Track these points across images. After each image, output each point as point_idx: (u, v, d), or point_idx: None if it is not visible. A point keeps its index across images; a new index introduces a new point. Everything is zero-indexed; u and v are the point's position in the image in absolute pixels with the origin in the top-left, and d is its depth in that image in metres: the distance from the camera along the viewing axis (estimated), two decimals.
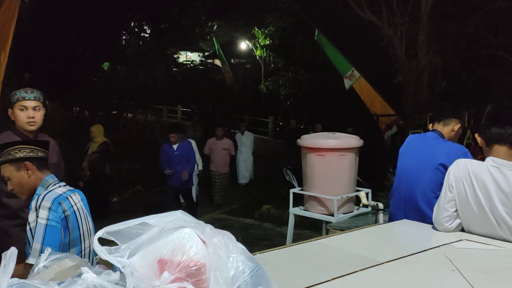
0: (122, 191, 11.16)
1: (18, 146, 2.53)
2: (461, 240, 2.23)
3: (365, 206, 4.62)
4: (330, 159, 4.83)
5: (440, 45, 11.51)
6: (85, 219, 2.59)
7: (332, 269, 1.82)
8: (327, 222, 4.87)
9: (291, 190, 5.24)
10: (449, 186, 2.38)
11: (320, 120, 14.77)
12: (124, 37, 17.78)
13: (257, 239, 7.91)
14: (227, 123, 15.12)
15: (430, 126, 3.42)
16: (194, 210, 8.12)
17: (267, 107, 23.27)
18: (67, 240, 2.45)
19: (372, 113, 11.99)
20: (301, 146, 5.07)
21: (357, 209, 5.05)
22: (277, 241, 6.78)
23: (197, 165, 9.05)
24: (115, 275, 1.26)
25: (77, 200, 2.57)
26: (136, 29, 17.37)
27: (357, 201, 5.01)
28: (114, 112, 17.76)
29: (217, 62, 23.27)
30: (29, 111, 3.18)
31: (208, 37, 21.73)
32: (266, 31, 19.78)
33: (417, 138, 3.45)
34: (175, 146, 7.93)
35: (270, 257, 1.99)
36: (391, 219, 3.42)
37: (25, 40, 11.70)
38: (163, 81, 17.92)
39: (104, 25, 14.54)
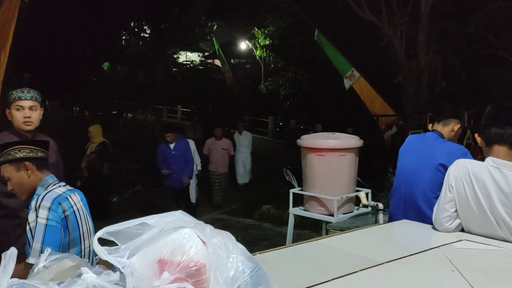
0: (122, 191, 11.17)
1: (18, 146, 2.53)
2: (461, 240, 2.23)
3: (365, 206, 4.62)
4: (330, 159, 4.83)
5: (440, 45, 11.51)
6: (85, 219, 2.59)
7: (332, 269, 1.82)
8: (327, 222, 4.86)
9: (291, 190, 5.24)
10: (449, 186, 2.38)
11: (320, 120, 14.76)
12: (124, 37, 17.79)
13: (257, 239, 7.91)
14: (227, 123, 15.13)
15: (430, 126, 3.42)
16: (192, 211, 8.06)
17: (267, 107, 23.28)
18: (67, 240, 2.45)
19: (372, 113, 11.99)
20: (301, 146, 5.07)
21: (357, 209, 5.05)
22: (277, 241, 6.78)
23: (196, 165, 8.99)
24: (115, 275, 1.26)
25: (77, 200, 2.57)
26: (136, 29, 17.38)
27: (357, 201, 5.01)
28: (114, 112, 17.76)
29: (217, 62, 23.28)
30: (25, 111, 3.18)
31: (208, 37, 21.74)
32: (266, 31, 19.78)
33: (417, 138, 3.45)
34: (172, 146, 7.82)
35: (270, 257, 1.99)
36: (391, 219, 3.42)
37: (25, 40, 11.70)
38: (163, 81, 17.94)
39: (104, 25, 14.55)
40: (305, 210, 5.18)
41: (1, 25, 5.97)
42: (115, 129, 16.75)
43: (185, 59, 24.70)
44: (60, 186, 2.55)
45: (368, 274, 1.77)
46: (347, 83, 12.12)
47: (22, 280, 1.32)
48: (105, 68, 17.78)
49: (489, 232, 2.27)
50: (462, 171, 2.34)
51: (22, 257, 2.22)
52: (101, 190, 8.31)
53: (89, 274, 1.26)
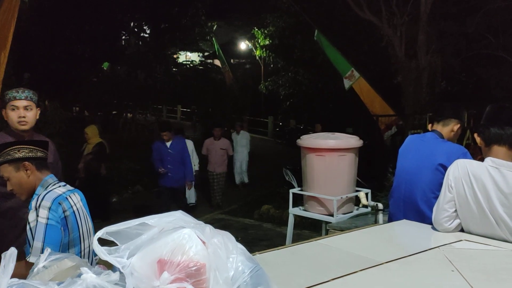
0: (122, 191, 11.16)
1: (17, 146, 2.53)
2: (461, 240, 2.23)
3: (365, 206, 4.62)
4: (329, 159, 4.83)
5: (440, 45, 11.51)
6: (85, 219, 2.59)
7: (332, 269, 1.82)
8: (327, 222, 4.86)
9: (291, 190, 5.24)
10: (449, 186, 2.38)
11: (319, 120, 14.77)
12: (123, 37, 17.79)
13: (256, 239, 7.91)
14: (227, 123, 15.13)
15: (429, 127, 3.42)
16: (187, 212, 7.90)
17: (267, 107, 23.29)
18: (66, 240, 2.45)
19: (372, 113, 12.00)
20: (301, 146, 5.06)
21: (357, 210, 5.05)
22: (277, 241, 6.77)
23: (194, 166, 8.88)
24: (115, 276, 1.26)
25: (77, 200, 2.57)
26: (136, 29, 17.37)
27: (356, 201, 5.01)
28: (114, 112, 17.76)
29: (217, 62, 23.28)
30: (20, 110, 3.18)
31: (208, 37, 21.73)
32: (265, 31, 19.79)
33: (417, 138, 3.45)
34: (168, 144, 7.61)
35: (270, 257, 1.99)
36: (390, 219, 3.42)
37: (25, 40, 11.71)
38: (163, 81, 17.94)
39: (104, 25, 14.55)
40: (305, 210, 5.18)
41: (1, 25, 5.97)
42: (115, 129, 16.75)
43: (185, 59, 24.68)
44: (60, 186, 2.55)
45: (368, 274, 1.77)
46: (347, 83, 12.13)
47: (22, 280, 1.32)
48: (105, 68, 17.78)
49: (488, 232, 2.27)
50: (462, 171, 2.34)
51: (21, 256, 2.23)
52: (99, 191, 8.23)
53: (89, 274, 1.26)
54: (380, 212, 4.29)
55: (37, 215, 2.38)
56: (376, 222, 4.25)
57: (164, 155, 7.58)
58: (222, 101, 18.70)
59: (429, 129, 3.39)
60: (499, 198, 2.23)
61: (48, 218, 2.37)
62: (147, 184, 11.48)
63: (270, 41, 20.00)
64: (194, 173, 8.78)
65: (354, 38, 14.69)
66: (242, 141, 12.27)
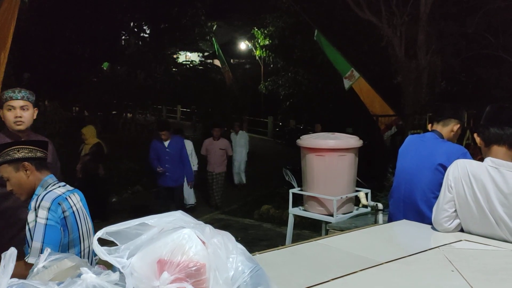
0: (122, 191, 11.16)
1: (17, 147, 2.53)
2: (461, 240, 2.23)
3: (365, 206, 4.62)
4: (329, 160, 4.83)
5: (440, 45, 11.51)
6: (85, 220, 2.59)
7: (332, 269, 1.82)
8: (327, 223, 4.86)
9: (291, 190, 5.24)
10: (448, 186, 2.38)
11: (319, 120, 14.77)
12: (123, 37, 17.78)
13: (256, 239, 7.91)
14: (227, 123, 15.12)
15: (429, 127, 3.42)
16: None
17: (267, 107, 23.29)
18: (66, 240, 2.45)
19: (372, 113, 12.00)
20: (301, 147, 5.06)
21: (357, 210, 5.05)
22: (277, 241, 6.78)
23: (193, 166, 8.82)
24: (115, 276, 1.26)
25: (77, 200, 2.57)
26: (136, 29, 17.38)
27: (356, 201, 5.01)
28: (113, 112, 17.77)
29: (217, 62, 23.27)
30: (16, 110, 3.17)
31: (208, 37, 21.72)
32: (265, 31, 19.77)
33: (417, 138, 3.45)
34: (166, 143, 7.54)
35: (270, 257, 1.99)
36: (390, 219, 3.42)
37: (25, 40, 11.71)
38: (163, 81, 17.93)
39: (103, 25, 14.55)
40: (304, 210, 5.18)
41: (1, 25, 5.97)
42: (114, 129, 16.76)
43: (184, 59, 24.66)
44: (59, 186, 2.55)
45: (367, 274, 1.77)
46: (346, 83, 12.12)
47: (21, 280, 1.32)
48: (104, 68, 17.79)
49: (488, 232, 2.27)
50: (461, 172, 2.34)
51: (20, 257, 2.23)
52: (97, 191, 8.19)
53: (88, 274, 1.26)
54: (380, 212, 4.29)
55: (36, 216, 2.37)
56: (376, 222, 4.25)
57: (162, 155, 7.52)
58: (222, 101, 18.69)
59: (429, 129, 3.39)
60: (499, 198, 2.23)
61: (47, 219, 2.37)
62: (146, 184, 11.48)
63: (270, 41, 19.99)
64: (193, 179, 8.70)
65: (354, 38, 14.69)
66: (240, 141, 12.23)
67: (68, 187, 2.62)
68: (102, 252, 1.22)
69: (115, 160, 11.86)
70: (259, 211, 9.49)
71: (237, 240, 1.38)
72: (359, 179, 5.22)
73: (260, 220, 9.19)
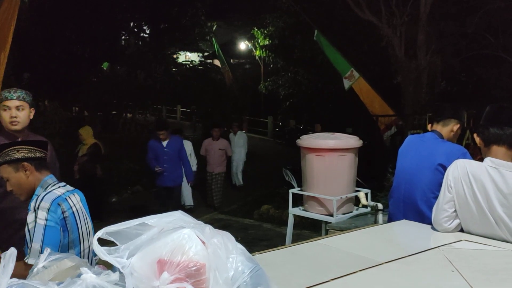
0: (122, 191, 11.15)
1: (16, 147, 2.52)
2: (460, 240, 2.23)
3: (365, 206, 4.62)
4: (329, 160, 4.83)
5: (440, 46, 11.52)
6: (84, 220, 2.59)
7: (332, 269, 1.82)
8: (327, 223, 4.86)
9: (291, 191, 5.23)
10: (448, 186, 2.38)
11: (319, 121, 14.79)
12: (123, 37, 17.78)
13: (256, 239, 7.91)
14: (227, 124, 15.11)
15: (429, 127, 3.42)
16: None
17: (267, 107, 23.29)
18: (66, 241, 2.45)
19: (372, 113, 12.00)
20: (301, 147, 5.06)
21: (357, 210, 5.05)
22: (277, 242, 6.78)
23: (192, 167, 8.74)
24: (115, 276, 1.26)
25: (76, 201, 2.57)
26: (136, 29, 17.37)
27: (356, 201, 5.01)
28: (113, 112, 17.76)
29: (217, 62, 23.27)
30: (12, 110, 3.17)
31: (208, 37, 21.71)
32: (265, 31, 19.78)
33: (416, 138, 3.45)
34: (164, 143, 7.48)
35: (270, 257, 1.99)
36: (390, 219, 3.43)
37: (25, 40, 11.71)
38: (163, 81, 17.92)
39: (103, 25, 14.54)
40: (304, 210, 5.18)
41: (1, 25, 5.98)
42: (114, 129, 16.76)
43: (184, 59, 24.65)
44: (59, 186, 2.54)
45: (367, 274, 1.77)
46: (346, 83, 12.13)
47: (21, 280, 1.32)
48: (104, 68, 17.78)
49: (488, 233, 2.27)
50: (461, 172, 2.34)
51: (20, 257, 2.23)
52: (95, 192, 8.14)
53: (88, 274, 1.26)
54: (380, 212, 4.29)
55: (36, 217, 2.37)
56: (375, 222, 4.25)
57: (160, 154, 7.47)
58: (222, 101, 18.68)
59: (429, 129, 3.39)
60: (499, 198, 2.23)
61: (46, 220, 2.36)
62: (146, 184, 11.47)
63: (270, 41, 19.99)
64: (193, 178, 8.67)
65: (354, 38, 14.69)
66: (239, 142, 12.16)
67: (68, 187, 2.61)
68: (102, 252, 1.22)
69: (115, 160, 11.86)
70: (259, 211, 9.49)
71: (237, 240, 1.38)
72: (359, 179, 5.22)
73: (260, 220, 9.19)
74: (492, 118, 2.38)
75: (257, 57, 22.92)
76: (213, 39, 21.91)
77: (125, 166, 12.10)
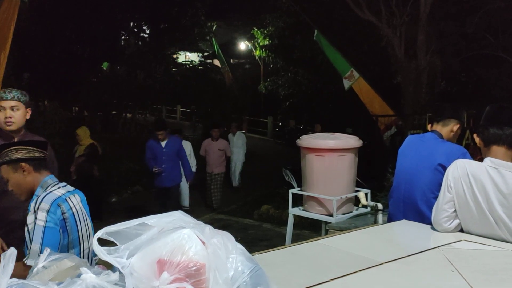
0: (122, 191, 11.15)
1: (15, 147, 2.52)
2: (460, 240, 2.23)
3: (364, 206, 4.62)
4: (329, 160, 4.83)
5: (440, 46, 11.52)
6: (84, 221, 2.58)
7: (332, 269, 1.82)
8: (326, 223, 4.86)
9: (290, 191, 5.23)
10: (448, 186, 2.38)
11: (319, 121, 14.79)
12: (123, 37, 17.79)
13: (256, 239, 7.91)
14: (227, 124, 15.11)
15: (429, 127, 3.42)
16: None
17: (267, 107, 23.30)
18: (65, 241, 2.44)
19: (371, 113, 12.01)
20: (300, 147, 5.06)
21: (356, 210, 5.05)
22: (276, 242, 6.78)
23: (191, 167, 8.67)
24: (115, 276, 1.26)
25: (76, 201, 2.56)
26: (136, 29, 17.40)
27: (356, 201, 5.01)
28: (113, 112, 17.78)
29: (217, 62, 23.29)
30: (6, 111, 3.17)
31: (208, 37, 21.73)
32: (265, 31, 19.79)
33: (416, 138, 3.45)
34: (163, 143, 7.42)
35: (270, 257, 1.99)
36: (390, 219, 3.42)
37: (25, 40, 11.71)
38: (162, 81, 17.95)
39: (103, 25, 14.56)
40: (304, 210, 5.18)
41: (1, 25, 5.98)
42: (114, 129, 16.77)
43: (184, 59, 24.66)
44: (59, 187, 2.54)
45: (367, 274, 1.77)
46: (346, 84, 12.13)
47: (21, 280, 1.32)
48: (104, 68, 17.80)
49: (488, 233, 2.27)
50: (461, 172, 2.34)
51: (19, 257, 2.22)
52: (93, 193, 8.08)
53: (88, 274, 1.26)
54: (380, 212, 4.28)
55: (36, 218, 2.36)
56: (375, 222, 4.25)
57: (158, 155, 7.42)
58: (221, 101, 18.68)
59: (429, 129, 3.39)
60: (498, 198, 2.23)
61: (46, 221, 2.36)
62: (146, 184, 11.46)
63: (270, 41, 20.00)
64: (192, 173, 8.66)
65: (354, 38, 14.69)
66: (238, 143, 12.09)
67: (69, 187, 2.61)
68: (101, 252, 1.22)
69: (115, 160, 11.87)
70: (258, 211, 9.49)
71: (237, 240, 1.37)
72: (358, 179, 5.22)
73: (260, 220, 9.19)
74: (492, 118, 2.38)
75: (257, 57, 22.93)
76: (213, 39, 21.92)
77: (125, 166, 12.10)
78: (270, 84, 20.85)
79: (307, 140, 5.05)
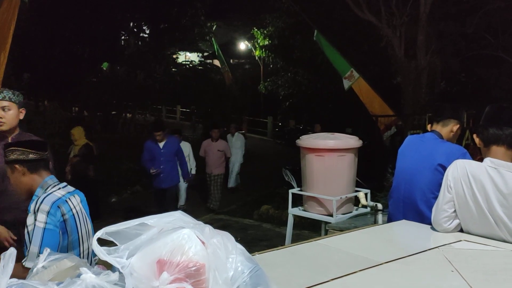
0: (121, 191, 11.15)
1: (12, 148, 2.53)
2: (460, 240, 2.23)
3: (364, 206, 4.61)
4: (329, 160, 4.83)
5: (439, 46, 11.52)
6: (84, 222, 2.57)
7: (331, 269, 1.82)
8: (326, 223, 4.86)
9: (290, 191, 5.23)
10: (448, 186, 2.38)
11: (319, 121, 14.78)
12: (123, 37, 17.80)
13: (256, 239, 7.91)
14: (227, 124, 15.11)
15: (429, 127, 3.42)
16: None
17: (266, 107, 23.30)
18: (65, 242, 2.44)
19: (371, 113, 12.00)
20: (300, 147, 5.06)
21: (356, 210, 5.05)
22: (276, 242, 6.78)
23: (190, 169, 8.73)
24: (114, 276, 1.26)
25: (76, 202, 2.56)
26: (135, 29, 17.41)
27: (356, 201, 5.01)
28: (113, 112, 17.78)
29: (216, 62, 23.29)
30: None
31: (207, 38, 21.74)
32: (265, 31, 19.79)
33: (416, 138, 3.45)
34: (161, 144, 7.39)
35: (269, 257, 1.99)
36: (390, 219, 3.42)
37: (25, 40, 11.72)
38: (162, 81, 17.96)
39: (103, 25, 14.57)
40: (304, 210, 5.18)
41: (1, 25, 5.98)
42: (114, 129, 16.78)
43: (184, 59, 24.67)
44: (60, 188, 2.53)
45: (367, 274, 1.77)
46: (346, 84, 12.12)
47: (21, 281, 1.32)
48: (104, 68, 17.80)
49: (488, 233, 2.27)
50: (461, 172, 2.34)
51: (19, 257, 2.22)
52: (88, 194, 8.03)
53: (88, 274, 1.26)
54: (380, 212, 4.28)
55: (35, 219, 2.35)
56: (375, 222, 4.24)
57: (156, 156, 7.39)
58: (221, 101, 18.67)
59: (429, 129, 3.39)
60: (498, 198, 2.23)
61: (46, 223, 2.35)
62: (146, 184, 11.46)
63: (270, 41, 20.00)
64: (190, 176, 8.61)
65: (353, 38, 14.70)
66: (236, 143, 12.02)
67: (69, 188, 2.60)
68: (101, 252, 1.21)
69: (114, 160, 11.87)
70: (258, 211, 9.49)
71: (237, 240, 1.37)
72: (358, 179, 5.22)
73: (260, 220, 9.19)
74: (491, 118, 2.38)
75: (256, 57, 22.93)
76: (213, 39, 21.92)
77: (124, 166, 12.10)
78: (270, 84, 20.85)
79: (307, 140, 5.05)
